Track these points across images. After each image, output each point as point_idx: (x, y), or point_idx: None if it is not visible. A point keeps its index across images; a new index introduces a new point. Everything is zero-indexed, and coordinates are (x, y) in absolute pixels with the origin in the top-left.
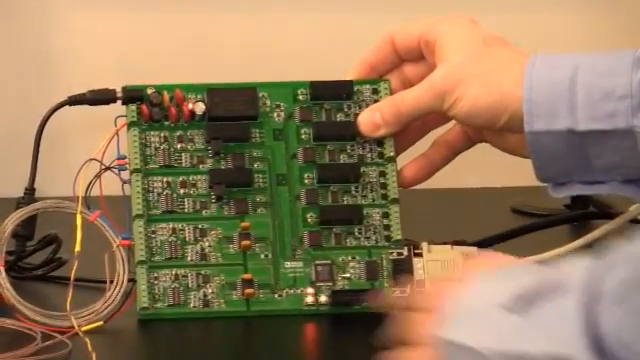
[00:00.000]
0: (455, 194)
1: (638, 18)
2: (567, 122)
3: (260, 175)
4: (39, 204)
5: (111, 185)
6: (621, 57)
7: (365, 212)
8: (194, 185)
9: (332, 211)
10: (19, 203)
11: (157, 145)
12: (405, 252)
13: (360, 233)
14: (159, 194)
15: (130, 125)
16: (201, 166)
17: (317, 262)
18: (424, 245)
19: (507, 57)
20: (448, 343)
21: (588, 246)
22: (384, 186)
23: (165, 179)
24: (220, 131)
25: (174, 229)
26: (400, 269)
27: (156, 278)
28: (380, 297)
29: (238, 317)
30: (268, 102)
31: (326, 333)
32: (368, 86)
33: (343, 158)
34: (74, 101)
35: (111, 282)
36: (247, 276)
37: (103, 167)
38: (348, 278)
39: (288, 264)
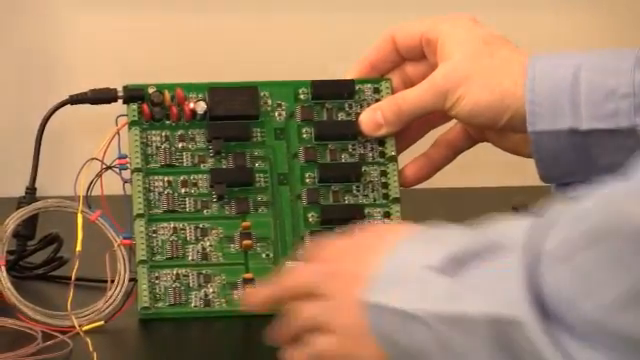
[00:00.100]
0: (456, 194)
1: (639, 17)
2: (570, 121)
3: (261, 174)
4: (40, 203)
5: (112, 184)
6: (623, 56)
7: (366, 211)
8: (195, 184)
9: (333, 210)
10: (20, 202)
11: (158, 144)
12: None
13: None
14: (160, 193)
15: (131, 124)
16: (202, 165)
17: None
18: None
19: (508, 56)
20: (371, 307)
21: None
22: (385, 185)
23: (166, 178)
24: (221, 130)
25: (175, 228)
26: None
27: (157, 278)
28: None
29: (239, 317)
30: (269, 101)
31: None
32: (369, 85)
33: (344, 157)
34: (75, 100)
35: (112, 282)
36: (248, 276)
37: (104, 166)
38: None
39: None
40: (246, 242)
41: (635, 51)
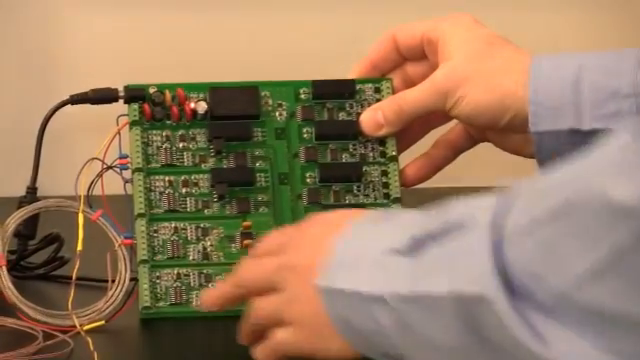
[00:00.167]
0: (457, 193)
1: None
2: (572, 122)
3: (262, 174)
4: (41, 203)
5: (113, 184)
6: (624, 56)
7: None
8: (196, 184)
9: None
10: (21, 202)
11: (159, 144)
12: None
13: None
14: (161, 193)
15: (132, 124)
16: (203, 165)
17: None
18: None
19: (510, 57)
20: (325, 292)
21: None
22: (386, 185)
23: (167, 178)
24: (222, 130)
25: (176, 228)
26: None
27: (158, 277)
28: None
29: (240, 316)
30: (270, 101)
31: None
32: (370, 85)
33: (345, 157)
34: (76, 100)
35: (113, 281)
36: None
37: (105, 166)
38: None
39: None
40: (247, 242)
41: (637, 51)
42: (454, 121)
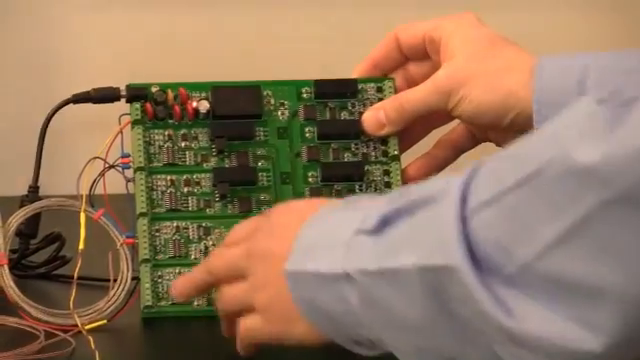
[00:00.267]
0: None
1: None
2: None
3: (264, 173)
4: (43, 202)
5: (115, 183)
6: (630, 57)
7: None
8: (198, 183)
9: None
10: (23, 201)
11: (161, 143)
12: None
13: None
14: (163, 192)
15: (134, 123)
16: (205, 164)
17: None
18: None
19: (513, 57)
20: (289, 276)
21: None
22: (388, 185)
23: (169, 177)
24: (224, 129)
25: (178, 227)
26: None
27: (160, 276)
28: None
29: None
30: (272, 100)
31: None
32: (372, 84)
33: (347, 157)
34: (78, 99)
35: (115, 280)
36: None
37: (107, 165)
38: None
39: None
40: None
41: None
42: (456, 121)
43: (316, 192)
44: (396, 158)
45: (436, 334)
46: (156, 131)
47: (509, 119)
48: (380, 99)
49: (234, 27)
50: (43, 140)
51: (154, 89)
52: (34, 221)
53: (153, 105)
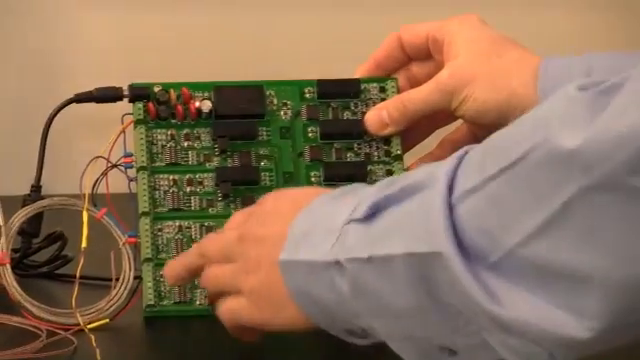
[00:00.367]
0: None
1: None
2: None
3: (267, 173)
4: (45, 201)
5: (117, 183)
6: (634, 57)
7: None
8: (200, 183)
9: None
10: (25, 200)
11: (164, 143)
12: None
13: None
14: (165, 192)
15: (137, 123)
16: (207, 164)
17: None
18: None
19: (517, 58)
20: (282, 264)
21: None
22: None
23: (171, 177)
24: (227, 129)
25: (180, 227)
26: None
27: (162, 276)
28: None
29: None
30: (275, 100)
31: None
32: (375, 84)
33: (350, 156)
34: (81, 99)
35: (117, 280)
36: None
37: (110, 165)
38: None
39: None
40: None
41: None
42: (459, 121)
43: None
44: (399, 158)
45: (425, 322)
46: (159, 131)
47: (512, 119)
48: (383, 99)
49: (237, 27)
50: (46, 139)
51: (157, 89)
52: (36, 220)
53: (156, 105)
